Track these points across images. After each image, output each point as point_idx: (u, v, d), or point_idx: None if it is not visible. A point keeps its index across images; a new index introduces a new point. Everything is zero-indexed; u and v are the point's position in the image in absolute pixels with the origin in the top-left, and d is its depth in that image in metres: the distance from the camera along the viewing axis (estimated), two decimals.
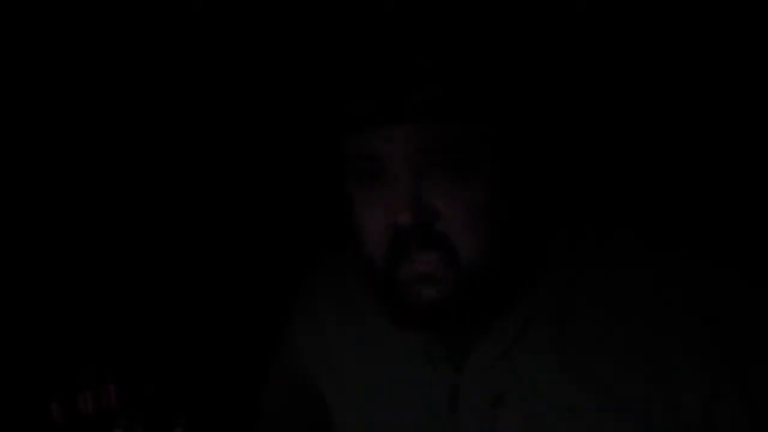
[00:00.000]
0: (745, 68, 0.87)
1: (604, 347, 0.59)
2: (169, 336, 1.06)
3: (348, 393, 0.73)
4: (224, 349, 1.08)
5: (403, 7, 0.57)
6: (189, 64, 1.04)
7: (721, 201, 0.87)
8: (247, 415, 1.00)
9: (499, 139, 0.58)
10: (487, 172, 0.57)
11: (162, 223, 1.07)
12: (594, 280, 0.61)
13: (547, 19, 0.63)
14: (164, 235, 1.08)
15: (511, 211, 0.59)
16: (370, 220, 0.59)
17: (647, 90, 0.90)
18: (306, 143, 1.01)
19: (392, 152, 0.57)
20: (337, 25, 0.60)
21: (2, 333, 0.98)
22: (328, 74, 0.60)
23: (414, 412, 0.67)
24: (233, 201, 1.09)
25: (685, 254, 0.61)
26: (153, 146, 1.06)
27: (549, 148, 0.62)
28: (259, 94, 1.06)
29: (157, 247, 1.08)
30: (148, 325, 1.05)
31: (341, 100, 0.58)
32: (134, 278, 1.06)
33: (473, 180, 0.57)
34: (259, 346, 0.94)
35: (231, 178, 1.09)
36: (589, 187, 0.76)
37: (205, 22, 1.01)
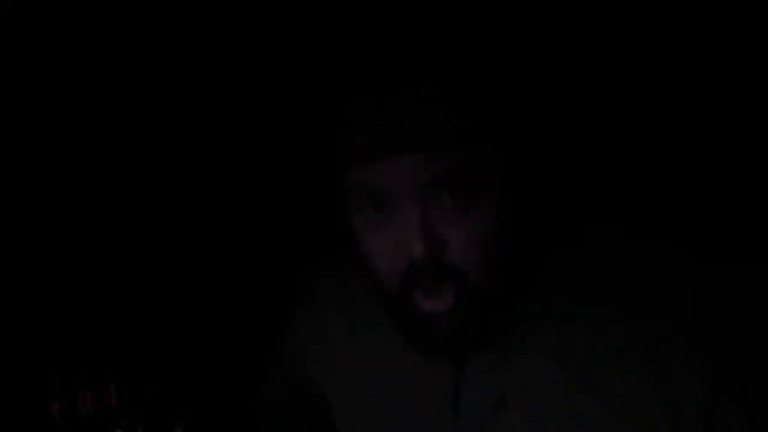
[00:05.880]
0: (745, 68, 0.87)
1: (604, 350, 0.59)
2: (169, 336, 1.06)
3: (350, 393, 0.73)
4: (224, 349, 1.08)
5: (404, 33, 0.57)
6: (189, 64, 1.04)
7: (721, 203, 0.87)
8: (247, 415, 1.00)
9: (503, 164, 0.58)
10: (492, 197, 0.57)
11: (162, 224, 1.07)
12: (595, 283, 0.61)
13: (548, 41, 0.62)
14: (164, 236, 1.08)
15: (516, 232, 0.59)
16: (381, 252, 0.59)
17: (646, 94, 0.90)
18: (306, 145, 1.01)
19: (398, 183, 0.56)
20: (342, 47, 0.59)
21: (2, 333, 0.98)
22: (332, 86, 0.60)
23: (416, 413, 0.67)
24: (233, 202, 1.09)
25: (685, 257, 0.61)
26: (153, 147, 1.06)
27: (550, 160, 0.62)
28: (259, 97, 1.06)
29: (157, 247, 1.08)
30: (148, 325, 1.05)
31: (343, 133, 0.58)
32: (134, 278, 1.06)
33: (479, 206, 0.57)
34: (259, 346, 0.94)
35: (231, 179, 1.09)
36: (590, 193, 0.76)
37: (205, 25, 1.01)
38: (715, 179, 0.88)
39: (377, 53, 0.56)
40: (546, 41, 0.63)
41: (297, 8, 0.93)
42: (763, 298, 0.57)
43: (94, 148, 1.04)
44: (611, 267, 0.61)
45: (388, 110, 0.55)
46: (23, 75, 0.98)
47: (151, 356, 1.01)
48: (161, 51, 1.02)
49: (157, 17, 1.00)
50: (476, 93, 0.56)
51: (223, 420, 1.05)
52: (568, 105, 0.67)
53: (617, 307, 0.59)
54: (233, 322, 1.09)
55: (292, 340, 0.82)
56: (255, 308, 1.09)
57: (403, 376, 0.68)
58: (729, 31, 0.85)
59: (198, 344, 1.07)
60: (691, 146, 0.89)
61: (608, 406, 0.58)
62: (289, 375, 0.83)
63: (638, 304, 0.59)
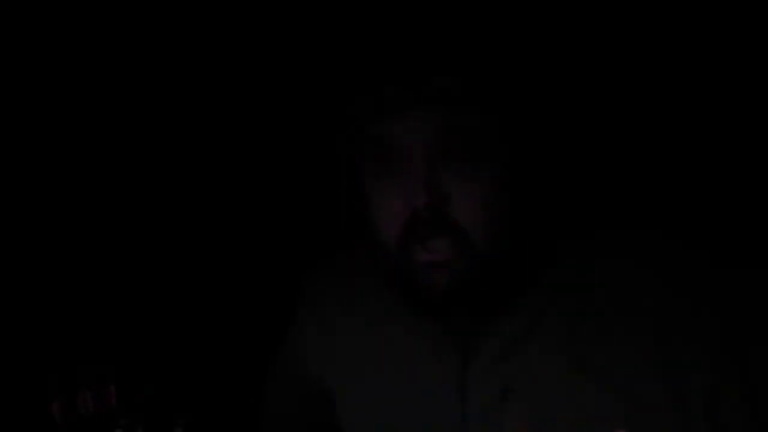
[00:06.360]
0: (745, 68, 0.87)
1: (609, 340, 0.60)
2: (169, 336, 1.06)
3: (357, 389, 0.73)
4: (224, 349, 1.08)
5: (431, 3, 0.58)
6: (189, 64, 1.04)
7: (729, 198, 0.88)
8: (247, 415, 1.00)
9: (513, 129, 0.59)
10: (499, 160, 0.59)
11: (163, 223, 1.07)
12: (602, 276, 0.62)
13: (564, 10, 0.63)
14: (164, 235, 1.08)
15: (520, 201, 0.61)
16: (386, 205, 0.61)
17: (655, 85, 0.90)
18: (309, 143, 1.01)
19: (410, 138, 0.58)
20: (358, 14, 0.61)
21: (2, 333, 0.98)
22: (346, 62, 0.61)
23: (423, 404, 0.68)
24: (233, 201, 1.09)
25: (690, 248, 0.62)
26: (154, 146, 1.06)
27: (559, 140, 0.63)
28: (263, 95, 1.06)
29: (157, 247, 1.08)
30: (148, 325, 1.05)
31: (361, 87, 0.60)
32: (134, 278, 1.06)
33: (486, 168, 0.59)
34: (260, 346, 0.94)
35: (232, 177, 1.09)
36: (597, 183, 0.76)
37: (205, 22, 1.01)
38: (723, 177, 0.89)
39: (402, 19, 0.59)
40: (567, 18, 0.64)
41: None
42: (765, 291, 0.57)
43: (94, 148, 1.04)
44: (619, 260, 0.62)
45: (405, 66, 0.57)
46: (23, 75, 0.99)
47: (151, 356, 1.01)
48: (161, 51, 1.02)
49: (157, 17, 1.00)
50: (494, 57, 0.58)
51: (223, 420, 1.05)
52: (585, 93, 0.68)
53: (624, 300, 0.60)
54: (233, 323, 1.09)
55: (293, 339, 0.82)
56: (255, 308, 1.09)
57: (411, 369, 0.69)
58: (735, 31, 0.85)
59: (198, 344, 1.07)
60: (701, 143, 0.89)
61: (614, 398, 0.58)
62: (292, 374, 0.83)
63: (645, 297, 0.60)
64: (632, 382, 0.58)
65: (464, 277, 0.59)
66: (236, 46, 1.03)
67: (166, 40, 1.02)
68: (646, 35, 0.88)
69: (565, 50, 0.64)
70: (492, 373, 0.64)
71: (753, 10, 0.85)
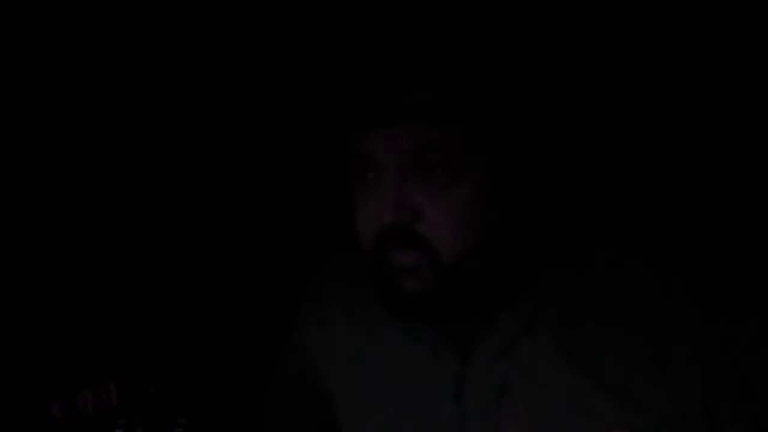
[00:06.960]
0: (745, 68, 0.87)
1: (606, 340, 0.60)
2: (169, 336, 1.06)
3: (356, 389, 0.74)
4: (224, 349, 1.08)
5: (395, 11, 0.59)
6: (189, 64, 1.04)
7: (726, 196, 0.88)
8: (248, 415, 1.00)
9: (487, 142, 0.59)
10: (474, 174, 0.59)
11: (163, 224, 1.07)
12: (597, 275, 0.62)
13: (539, 22, 0.64)
14: (165, 235, 1.08)
15: (500, 212, 0.61)
16: (362, 215, 0.63)
17: (639, 90, 0.90)
18: (311, 143, 1.02)
19: (382, 153, 0.59)
20: (331, 29, 0.62)
21: (2, 333, 0.98)
22: (325, 76, 0.62)
23: (420, 404, 0.68)
24: (235, 201, 1.09)
25: (685, 249, 0.62)
26: (154, 146, 1.06)
27: (540, 148, 0.63)
28: (264, 95, 1.06)
29: (158, 247, 1.08)
30: (148, 325, 1.05)
31: (335, 102, 0.61)
32: (134, 278, 1.06)
33: (460, 182, 0.59)
34: (261, 347, 0.94)
35: (234, 178, 1.09)
36: (589, 185, 0.76)
37: (205, 23, 1.01)
38: (721, 173, 0.89)
39: (377, 35, 0.59)
40: (544, 27, 0.64)
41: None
42: (762, 291, 0.57)
43: (95, 148, 1.04)
44: (615, 258, 0.62)
45: (376, 83, 0.58)
46: (23, 75, 0.99)
47: (152, 356, 1.01)
48: (161, 52, 1.02)
49: (157, 17, 1.00)
50: (465, 72, 0.58)
51: (224, 420, 1.05)
52: (569, 91, 0.67)
53: (621, 298, 0.60)
54: (234, 323, 1.09)
55: (297, 340, 0.82)
56: (256, 309, 1.09)
57: (409, 368, 0.69)
58: (734, 26, 0.85)
59: (199, 345, 1.07)
60: (699, 140, 0.89)
61: (612, 397, 0.59)
62: (293, 375, 0.83)
63: (642, 295, 0.60)
64: (630, 381, 0.58)
65: (432, 284, 0.60)
66: (237, 48, 1.03)
67: (164, 41, 1.02)
68: (634, 37, 0.88)
69: (544, 61, 0.64)
70: (489, 372, 0.64)
71: (753, 10, 0.85)
